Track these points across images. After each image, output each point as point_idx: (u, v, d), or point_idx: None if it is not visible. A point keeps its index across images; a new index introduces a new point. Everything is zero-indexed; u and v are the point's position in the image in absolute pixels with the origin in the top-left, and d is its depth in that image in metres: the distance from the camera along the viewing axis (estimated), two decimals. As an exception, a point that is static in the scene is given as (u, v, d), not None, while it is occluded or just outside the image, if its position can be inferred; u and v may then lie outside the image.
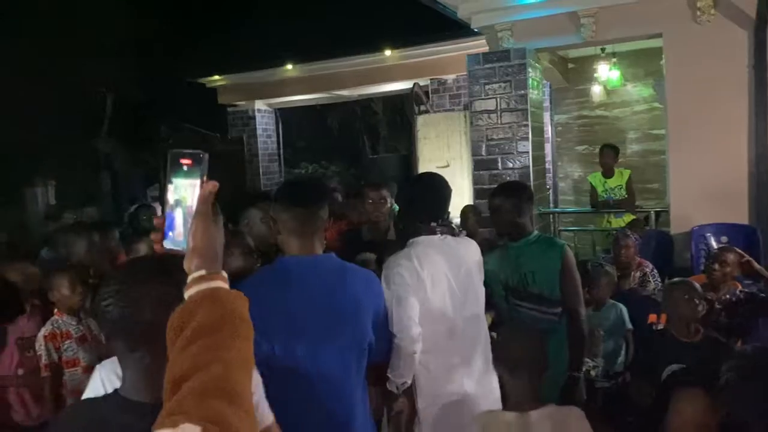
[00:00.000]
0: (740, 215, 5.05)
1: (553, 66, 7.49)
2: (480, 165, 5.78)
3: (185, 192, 1.06)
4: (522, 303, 3.01)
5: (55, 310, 3.31)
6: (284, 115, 10.40)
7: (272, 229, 2.22)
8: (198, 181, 1.05)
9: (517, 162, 5.63)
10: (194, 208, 1.04)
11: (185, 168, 1.06)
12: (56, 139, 12.15)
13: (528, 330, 2.52)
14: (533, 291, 2.96)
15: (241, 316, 0.99)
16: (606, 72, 7.61)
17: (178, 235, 1.06)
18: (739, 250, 3.88)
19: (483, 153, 5.75)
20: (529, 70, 5.60)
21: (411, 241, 2.56)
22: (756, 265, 3.76)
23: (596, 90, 7.99)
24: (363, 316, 2.16)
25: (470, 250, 2.66)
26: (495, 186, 3.39)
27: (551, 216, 6.53)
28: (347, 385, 2.11)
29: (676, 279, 3.39)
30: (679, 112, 5.28)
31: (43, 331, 3.25)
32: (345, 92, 9.67)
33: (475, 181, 5.80)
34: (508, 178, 5.56)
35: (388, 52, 8.04)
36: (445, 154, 6.92)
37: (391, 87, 9.10)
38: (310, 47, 8.45)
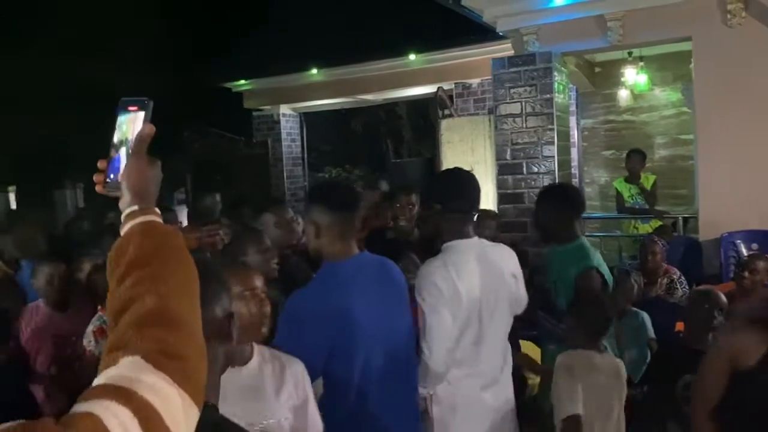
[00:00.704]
0: (771, 222, 4.94)
1: (579, 70, 7.42)
2: (504, 169, 5.73)
3: (128, 135, 1.09)
4: (542, 314, 2.97)
5: (99, 307, 3.34)
6: (309, 119, 10.46)
7: (309, 233, 2.22)
8: (140, 125, 1.09)
9: (543, 166, 5.58)
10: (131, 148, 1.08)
11: (131, 113, 1.09)
12: (85, 142, 12.36)
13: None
14: (555, 303, 2.91)
15: (174, 246, 1.00)
16: (633, 76, 7.52)
17: (120, 177, 1.08)
18: (771, 258, 3.79)
19: (508, 157, 5.71)
20: (555, 73, 5.55)
21: (446, 246, 2.41)
22: None
23: (623, 94, 7.90)
24: (407, 297, 2.35)
25: (506, 256, 2.51)
26: (543, 189, 3.32)
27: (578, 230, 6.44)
28: (412, 368, 2.29)
29: (701, 287, 3.33)
30: (708, 117, 5.19)
31: (91, 327, 3.28)
32: (369, 96, 9.69)
33: (499, 185, 5.76)
34: (533, 183, 5.52)
35: (412, 57, 8.04)
36: (469, 158, 6.89)
37: (415, 91, 9.09)
38: (335, 52, 8.47)
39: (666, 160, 7.87)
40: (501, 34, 6.10)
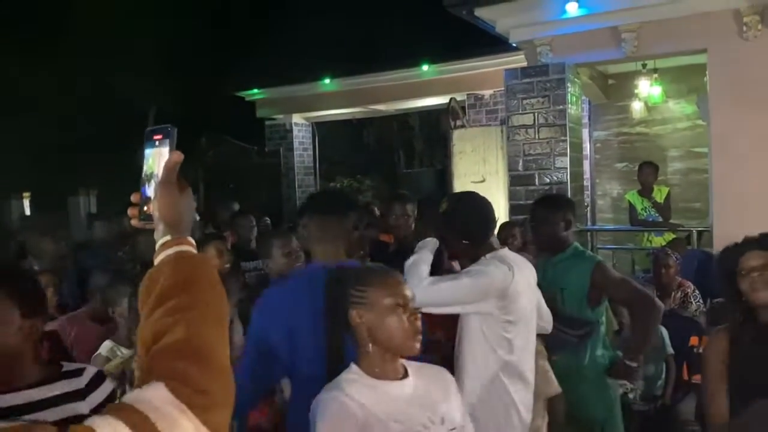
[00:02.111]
0: (787, 236, 4.87)
1: (592, 81, 7.39)
2: (516, 180, 5.71)
3: (157, 166, 1.08)
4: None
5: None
6: (321, 128, 10.48)
7: (300, 235, 2.33)
8: (166, 153, 1.07)
9: (555, 178, 5.55)
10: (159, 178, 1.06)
11: (157, 143, 1.08)
12: (99, 149, 12.47)
13: None
14: (562, 310, 2.87)
15: (205, 276, 1.00)
16: (647, 88, 7.47)
17: (149, 209, 1.07)
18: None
19: (520, 168, 5.69)
20: (568, 85, 5.53)
21: (489, 255, 2.35)
22: None
23: (637, 106, 7.85)
24: None
25: (528, 269, 2.49)
26: (532, 201, 3.32)
27: (589, 234, 6.41)
28: None
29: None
30: (723, 130, 5.14)
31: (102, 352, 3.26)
32: (381, 107, 9.70)
33: (511, 196, 5.74)
34: (545, 193, 5.48)
35: (425, 67, 8.05)
36: (481, 169, 6.87)
37: (427, 102, 9.10)
38: (348, 62, 8.51)
39: (680, 173, 7.80)
40: (514, 45, 6.10)
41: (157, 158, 1.08)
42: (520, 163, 5.68)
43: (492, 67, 7.47)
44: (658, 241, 6.21)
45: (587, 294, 2.83)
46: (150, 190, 1.07)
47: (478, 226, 2.42)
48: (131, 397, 0.84)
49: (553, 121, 5.54)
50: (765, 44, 4.92)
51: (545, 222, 2.97)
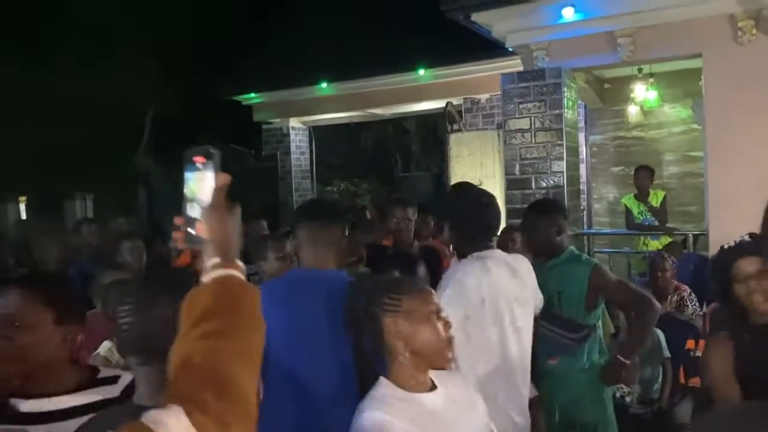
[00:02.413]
0: (783, 240, 4.89)
1: (588, 86, 7.42)
2: (513, 184, 5.72)
3: (200, 188, 1.08)
4: (546, 325, 2.94)
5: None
6: (318, 132, 10.50)
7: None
8: (211, 176, 1.08)
9: (551, 181, 5.57)
10: (208, 201, 1.07)
11: (198, 165, 1.09)
12: (96, 154, 12.45)
13: None
14: (559, 313, 2.88)
15: (246, 305, 0.99)
16: (643, 92, 7.51)
17: (198, 230, 1.07)
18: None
19: (516, 172, 5.70)
20: (565, 89, 5.55)
21: (475, 255, 2.37)
22: None
23: (632, 111, 7.88)
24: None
25: (525, 267, 2.49)
26: (528, 205, 3.34)
27: (585, 237, 6.42)
28: (344, 402, 1.88)
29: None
30: (718, 134, 5.17)
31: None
32: (378, 111, 9.72)
33: (508, 200, 5.75)
34: (541, 197, 5.50)
35: (422, 71, 8.07)
36: (478, 173, 6.89)
37: (424, 106, 9.12)
38: (344, 66, 8.52)
39: (676, 177, 7.83)
40: (510, 49, 6.12)
41: (201, 180, 1.09)
42: (517, 167, 5.69)
43: (488, 71, 7.50)
44: (655, 244, 6.23)
45: (585, 297, 2.85)
46: (194, 212, 1.08)
47: (466, 218, 2.42)
48: (150, 416, 0.84)
49: (549, 125, 5.56)
50: (759, 49, 4.95)
51: (537, 228, 2.99)
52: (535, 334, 2.54)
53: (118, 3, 12.45)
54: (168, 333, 1.07)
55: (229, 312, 0.96)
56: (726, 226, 5.08)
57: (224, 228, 1.05)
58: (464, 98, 8.22)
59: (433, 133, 13.91)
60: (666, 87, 7.67)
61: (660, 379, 3.90)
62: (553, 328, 2.87)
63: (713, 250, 5.18)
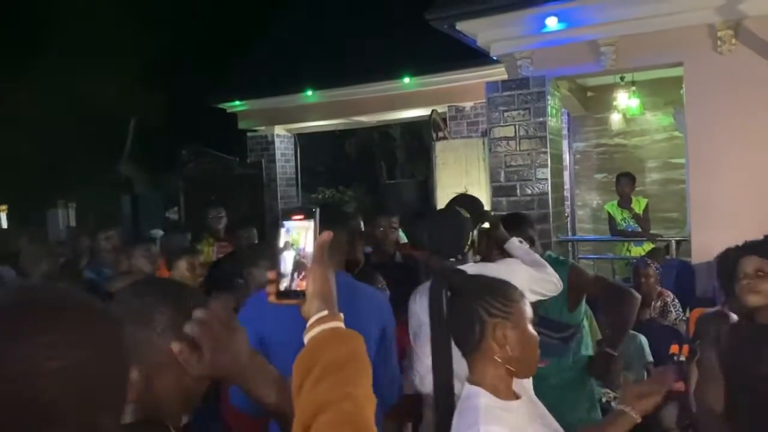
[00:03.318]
0: (763, 246, 4.96)
1: (571, 94, 7.50)
2: (498, 191, 5.76)
3: (299, 244, 1.12)
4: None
5: None
6: (303, 140, 10.49)
7: None
8: (311, 232, 1.11)
9: (536, 189, 5.61)
10: (307, 258, 1.10)
11: (297, 222, 1.12)
12: (78, 162, 12.34)
13: None
14: (544, 315, 2.92)
15: (362, 352, 1.05)
16: (625, 100, 7.60)
17: (298, 285, 1.10)
18: None
19: (502, 179, 5.74)
20: (548, 97, 5.61)
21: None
22: None
23: (615, 118, 7.97)
24: (367, 333, 2.21)
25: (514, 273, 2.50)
26: (532, 211, 3.41)
27: (570, 244, 6.48)
28: None
29: (709, 310, 3.33)
30: (699, 142, 5.24)
31: None
32: (364, 118, 9.74)
33: (494, 207, 5.78)
34: (526, 205, 5.54)
35: (406, 80, 8.10)
36: (464, 180, 6.92)
37: (409, 114, 9.15)
38: (329, 73, 8.54)
39: (658, 184, 7.93)
40: (495, 58, 6.17)
41: (301, 236, 1.11)
42: (502, 175, 5.74)
43: (473, 79, 7.54)
44: (638, 251, 6.30)
45: (566, 297, 2.91)
46: (289, 267, 1.11)
47: (441, 243, 2.54)
48: None
49: (533, 133, 5.61)
50: (739, 58, 5.03)
51: (517, 234, 3.04)
52: None
53: (101, 11, 12.38)
54: (151, 335, 1.08)
55: (349, 363, 1.01)
56: (708, 232, 5.15)
57: (328, 282, 1.09)
58: (449, 106, 8.26)
59: (418, 141, 13.97)
60: (648, 95, 7.77)
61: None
62: (540, 329, 2.89)
63: (696, 256, 5.26)
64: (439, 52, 7.25)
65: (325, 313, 1.06)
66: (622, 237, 6.45)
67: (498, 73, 6.52)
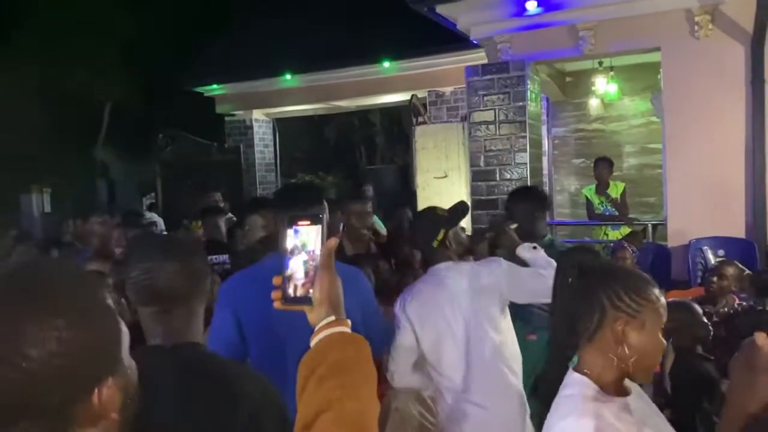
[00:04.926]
0: (737, 229, 5.05)
1: (550, 79, 7.51)
2: (478, 176, 5.78)
3: (305, 249, 1.11)
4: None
5: None
6: (282, 125, 10.40)
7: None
8: (318, 238, 1.11)
9: (515, 173, 5.64)
10: (315, 263, 1.10)
11: (303, 227, 1.11)
12: (53, 146, 12.12)
13: None
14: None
15: (368, 357, 1.07)
16: (603, 85, 7.64)
17: (305, 290, 1.10)
18: (740, 265, 3.88)
19: (481, 164, 5.76)
20: (528, 82, 5.62)
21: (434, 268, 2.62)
22: None
23: (593, 103, 8.02)
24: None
25: (483, 273, 2.60)
26: (493, 196, 3.41)
27: (548, 228, 6.51)
28: None
29: (678, 300, 3.33)
30: (676, 126, 5.30)
31: None
32: (343, 103, 9.68)
33: (473, 191, 5.80)
34: (506, 189, 5.56)
35: (386, 64, 8.06)
36: (444, 165, 6.93)
37: (388, 98, 9.12)
38: (308, 58, 8.45)
39: (635, 169, 8.00)
40: (475, 42, 6.16)
41: (308, 241, 1.11)
42: (482, 159, 5.75)
43: (453, 64, 7.53)
44: (615, 234, 6.36)
45: None
46: (295, 272, 1.11)
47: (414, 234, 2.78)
48: None
49: (513, 117, 5.62)
50: (715, 43, 5.08)
51: (519, 214, 3.11)
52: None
53: (74, -8, 12.13)
54: (183, 283, 1.41)
55: (354, 366, 1.04)
56: (684, 217, 5.23)
57: (335, 287, 1.10)
58: (429, 91, 8.24)
59: (398, 126, 13.94)
60: (626, 80, 7.82)
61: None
62: (542, 306, 2.95)
63: (671, 240, 5.34)
64: (419, 36, 7.21)
65: (333, 318, 1.08)
66: (600, 221, 6.51)
67: (478, 59, 6.51)
